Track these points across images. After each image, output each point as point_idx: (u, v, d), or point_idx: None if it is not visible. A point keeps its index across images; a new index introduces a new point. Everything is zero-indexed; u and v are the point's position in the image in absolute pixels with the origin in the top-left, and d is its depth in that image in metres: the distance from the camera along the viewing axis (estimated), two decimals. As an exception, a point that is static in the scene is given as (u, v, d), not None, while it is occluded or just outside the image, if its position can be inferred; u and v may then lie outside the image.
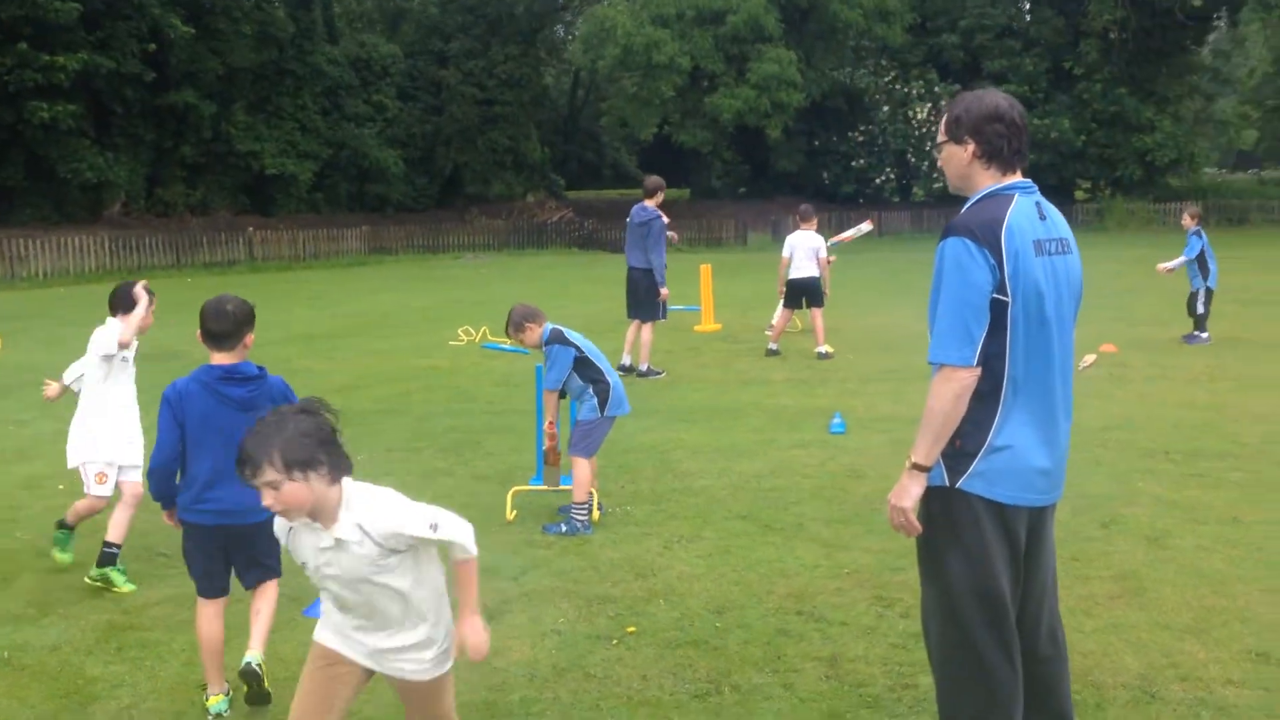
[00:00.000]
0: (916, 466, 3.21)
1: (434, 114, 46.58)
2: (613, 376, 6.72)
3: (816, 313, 13.30)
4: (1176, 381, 11.00)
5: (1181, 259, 13.73)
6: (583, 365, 6.63)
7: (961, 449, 3.18)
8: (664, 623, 5.16)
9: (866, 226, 16.10)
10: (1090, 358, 12.01)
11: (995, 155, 3.25)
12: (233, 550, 4.45)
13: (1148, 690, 4.31)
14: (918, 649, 4.76)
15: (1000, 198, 3.21)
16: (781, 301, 13.69)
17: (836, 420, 9.39)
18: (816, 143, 44.80)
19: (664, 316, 12.34)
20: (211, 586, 4.45)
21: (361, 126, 43.03)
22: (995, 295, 3.09)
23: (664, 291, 12.09)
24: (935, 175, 43.46)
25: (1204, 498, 6.98)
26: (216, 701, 4.34)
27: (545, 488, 7.17)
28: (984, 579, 3.21)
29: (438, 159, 46.61)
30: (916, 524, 3.25)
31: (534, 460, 7.48)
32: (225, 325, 4.46)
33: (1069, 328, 3.31)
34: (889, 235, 40.40)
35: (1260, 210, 40.86)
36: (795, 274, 13.34)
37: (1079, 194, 45.70)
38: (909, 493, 3.23)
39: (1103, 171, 42.89)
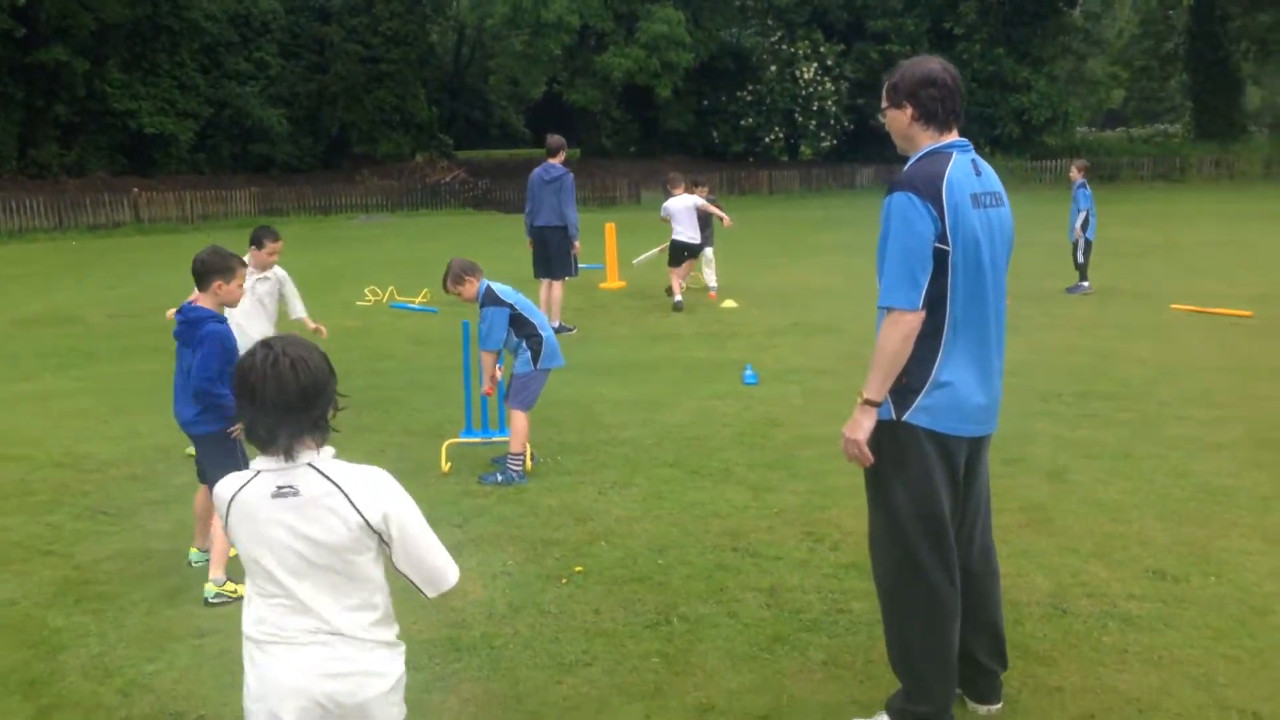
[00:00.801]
0: (868, 402, 3.50)
1: (318, 72, 45.66)
2: (546, 330, 6.90)
3: (690, 263, 14.17)
4: (1065, 329, 11.62)
5: (1084, 212, 14.07)
6: (517, 321, 6.80)
7: (907, 385, 3.47)
8: (608, 562, 5.42)
9: (655, 252, 16.08)
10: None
11: (932, 117, 3.54)
12: None
13: (1059, 606, 4.72)
14: (848, 578, 5.14)
15: (939, 155, 3.50)
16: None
17: (749, 372, 9.74)
18: (705, 102, 45.17)
19: (575, 273, 12.55)
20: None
21: (243, 85, 42.06)
22: (937, 244, 3.38)
23: (577, 245, 12.31)
24: (823, 135, 44.34)
25: (1097, 435, 7.49)
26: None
27: (478, 440, 7.37)
28: (927, 504, 3.53)
29: (323, 118, 45.76)
30: (869, 454, 3.54)
31: (460, 414, 7.66)
32: (195, 268, 5.11)
33: (1002, 274, 3.62)
34: (779, 194, 41.06)
35: (1130, 167, 42.54)
36: (677, 236, 13.90)
37: (959, 152, 46.94)
38: (861, 426, 3.52)
39: (982, 130, 44.06)
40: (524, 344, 6.79)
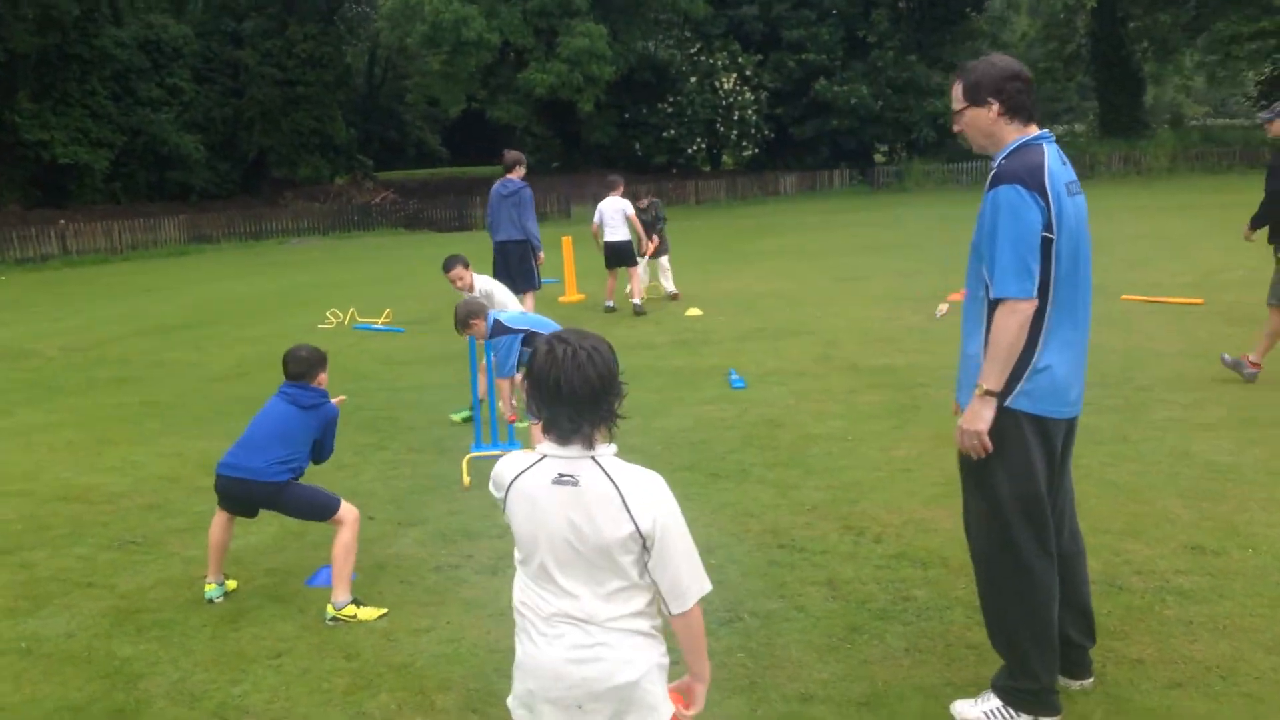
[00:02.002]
0: (988, 393, 3.62)
1: (233, 96, 44.99)
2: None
3: (632, 271, 14.38)
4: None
5: None
6: (529, 340, 6.86)
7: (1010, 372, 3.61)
8: (661, 565, 5.48)
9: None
10: (944, 307, 12.91)
11: (1018, 110, 3.68)
12: None
13: (1113, 584, 4.91)
14: (901, 568, 5.28)
15: (1033, 147, 3.64)
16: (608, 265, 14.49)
17: (734, 376, 9.88)
18: (627, 115, 45.41)
19: (539, 285, 12.57)
20: None
21: (157, 111, 41.24)
22: (1044, 233, 3.53)
23: (541, 256, 12.37)
24: (744, 144, 44.84)
25: (1090, 421, 7.71)
26: None
27: (498, 453, 7.39)
28: (1028, 487, 3.67)
29: (241, 143, 45.09)
30: (989, 444, 3.67)
31: (456, 430, 7.71)
32: (299, 367, 5.44)
33: (1089, 260, 3.78)
34: (706, 203, 41.42)
35: (1042, 167, 43.62)
36: (609, 237, 14.15)
37: (878, 157, 47.83)
38: (981, 416, 3.64)
39: (899, 135, 45.01)
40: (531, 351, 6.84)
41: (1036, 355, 3.60)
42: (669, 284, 15.29)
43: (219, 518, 5.35)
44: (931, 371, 9.66)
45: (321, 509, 5.16)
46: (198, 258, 29.39)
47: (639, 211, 15.16)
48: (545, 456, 2.64)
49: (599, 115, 43.19)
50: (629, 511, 2.55)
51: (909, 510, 6.08)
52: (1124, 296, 13.20)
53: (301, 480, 5.26)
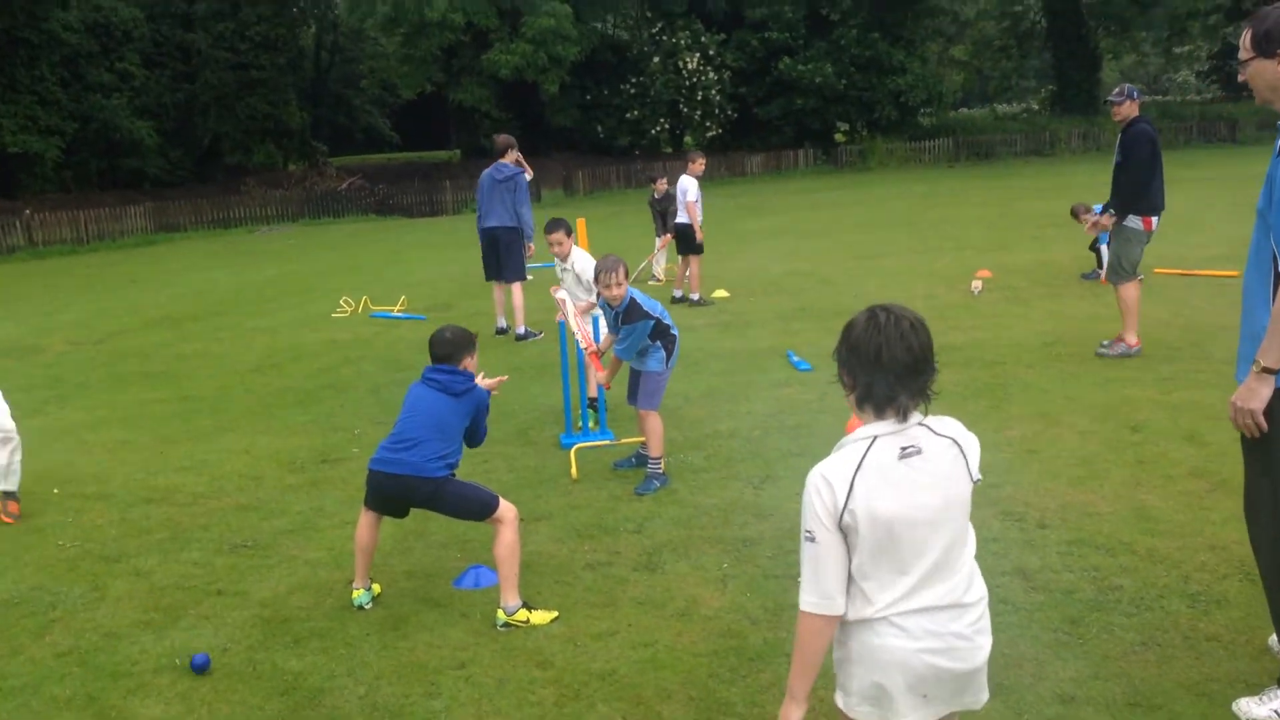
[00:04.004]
0: (1266, 370, 3.41)
1: (186, 81, 43.88)
2: (675, 328, 6.67)
3: (691, 259, 13.62)
4: (1076, 300, 11.82)
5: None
6: (660, 331, 6.53)
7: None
8: (827, 557, 5.24)
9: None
10: (977, 283, 12.77)
11: None
12: None
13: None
14: (1088, 555, 5.08)
15: (1332, 100, 3.43)
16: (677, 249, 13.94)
17: (795, 359, 9.65)
18: (589, 97, 44.89)
19: (526, 276, 12.17)
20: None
21: (108, 97, 40.08)
22: (1345, 198, 3.32)
23: (531, 247, 12.01)
24: (708, 124, 44.55)
25: (1193, 397, 7.62)
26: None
27: (606, 443, 7.14)
28: (1324, 467, 3.47)
29: (195, 129, 44.04)
30: (1264, 423, 3.46)
31: (542, 419, 7.41)
32: (445, 349, 5.08)
33: None
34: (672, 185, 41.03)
35: (1004, 144, 43.89)
36: (679, 219, 13.65)
37: (839, 136, 47.78)
38: (1258, 394, 3.44)
39: (861, 113, 44.94)
40: (659, 342, 6.53)
41: (1340, 328, 3.39)
42: (659, 269, 15.03)
43: (366, 518, 5.02)
44: (1000, 348, 9.50)
45: (483, 507, 4.84)
46: (167, 247, 28.55)
47: (654, 200, 14.81)
48: (876, 437, 2.54)
49: (562, 97, 42.63)
50: (967, 461, 2.61)
51: (1058, 493, 5.89)
52: (1156, 270, 13.11)
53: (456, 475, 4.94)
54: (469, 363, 5.13)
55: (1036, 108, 54.68)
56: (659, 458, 6.54)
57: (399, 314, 13.61)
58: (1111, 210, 8.93)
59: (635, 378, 6.66)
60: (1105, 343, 9.14)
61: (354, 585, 5.05)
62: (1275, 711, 3.61)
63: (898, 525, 2.52)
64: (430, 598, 5.08)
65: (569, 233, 8.37)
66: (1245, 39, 3.55)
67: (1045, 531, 5.39)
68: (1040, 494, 5.90)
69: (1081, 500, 5.78)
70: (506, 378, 5.67)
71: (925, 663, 2.55)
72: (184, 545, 5.93)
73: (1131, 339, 9.00)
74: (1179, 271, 12.84)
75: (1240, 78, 3.62)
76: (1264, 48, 3.50)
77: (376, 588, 5.13)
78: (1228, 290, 11.63)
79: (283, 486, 6.91)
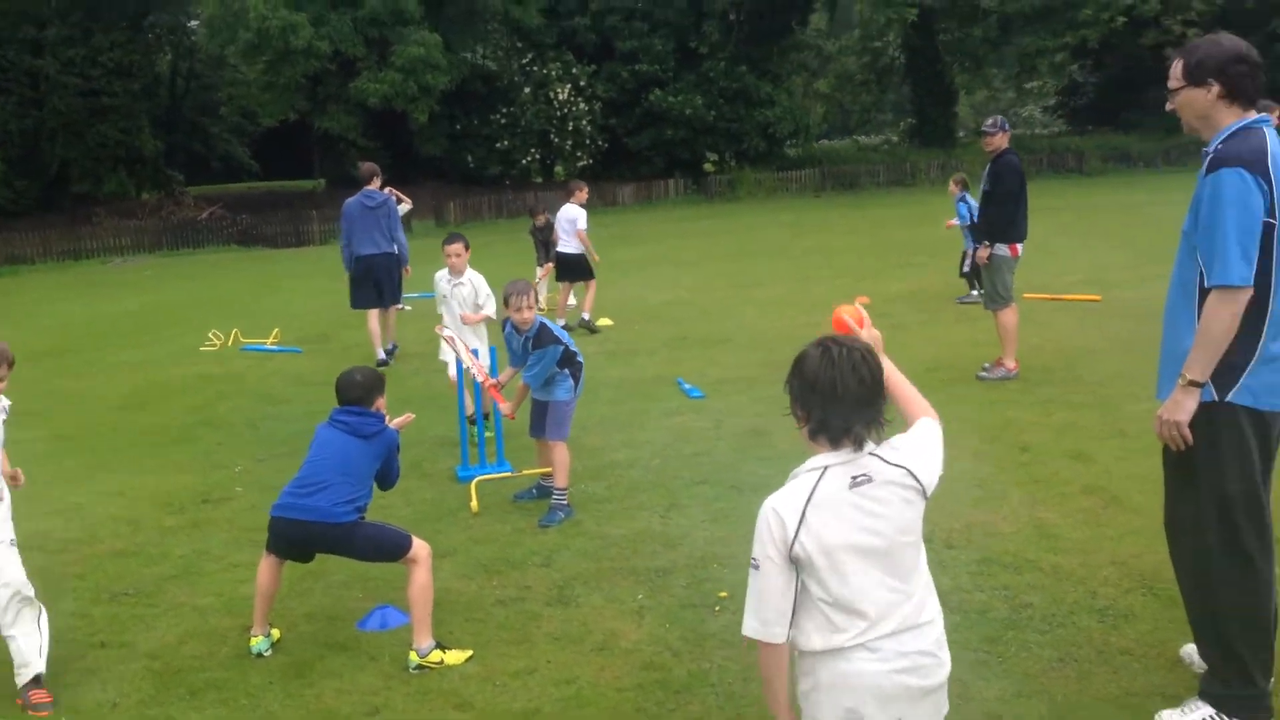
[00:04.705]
0: (1192, 383, 3.49)
1: (33, 108, 42.14)
2: (580, 354, 6.58)
3: (584, 285, 13.62)
4: (950, 325, 12.08)
5: (956, 221, 14.30)
6: (567, 359, 6.43)
7: (1231, 362, 3.47)
8: (742, 584, 5.18)
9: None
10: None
11: (1239, 93, 3.52)
12: None
13: None
14: (995, 574, 5.15)
15: (1253, 131, 3.51)
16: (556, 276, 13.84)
17: (686, 385, 9.64)
18: (459, 126, 44.53)
19: (401, 301, 11.95)
20: None
21: (-51, 124, 38.24)
22: (1265, 219, 3.41)
23: (408, 270, 11.93)
24: (579, 154, 44.65)
25: (1071, 418, 7.83)
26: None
27: (500, 475, 6.98)
28: (1249, 485, 3.55)
29: (42, 156, 42.25)
30: (1189, 435, 3.53)
31: (428, 452, 7.24)
32: (356, 392, 4.91)
33: None
34: (553, 214, 40.91)
35: (867, 175, 45.04)
36: (561, 248, 13.56)
37: (708, 166, 48.38)
38: (1183, 407, 3.51)
39: (730, 144, 45.59)
40: (566, 370, 6.42)
41: (1261, 345, 3.49)
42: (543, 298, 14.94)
43: (267, 563, 4.79)
44: (886, 374, 9.62)
45: (395, 548, 4.66)
46: (14, 279, 27.16)
47: (536, 230, 14.71)
48: (828, 467, 2.59)
49: (431, 126, 42.15)
50: (918, 480, 2.62)
51: (961, 514, 5.95)
52: (1025, 295, 13.46)
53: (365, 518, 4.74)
54: (379, 404, 4.96)
55: (896, 140, 56.28)
56: (564, 488, 6.42)
57: (273, 347, 13.16)
58: (986, 242, 9.21)
59: (540, 409, 6.54)
60: (986, 366, 9.38)
61: (252, 631, 4.80)
62: (1201, 721, 3.68)
63: (851, 553, 2.55)
64: (335, 641, 4.86)
65: (468, 246, 8.27)
66: (1176, 69, 3.62)
67: (954, 552, 5.45)
68: (944, 515, 5.95)
69: (984, 520, 5.86)
70: (413, 416, 5.48)
71: (896, 682, 2.57)
72: (58, 596, 5.54)
73: (1010, 363, 9.25)
74: (1046, 296, 13.24)
75: (1169, 107, 3.69)
76: (1195, 77, 3.57)
77: (276, 633, 4.88)
78: (1092, 315, 12.07)
79: (162, 529, 6.57)
